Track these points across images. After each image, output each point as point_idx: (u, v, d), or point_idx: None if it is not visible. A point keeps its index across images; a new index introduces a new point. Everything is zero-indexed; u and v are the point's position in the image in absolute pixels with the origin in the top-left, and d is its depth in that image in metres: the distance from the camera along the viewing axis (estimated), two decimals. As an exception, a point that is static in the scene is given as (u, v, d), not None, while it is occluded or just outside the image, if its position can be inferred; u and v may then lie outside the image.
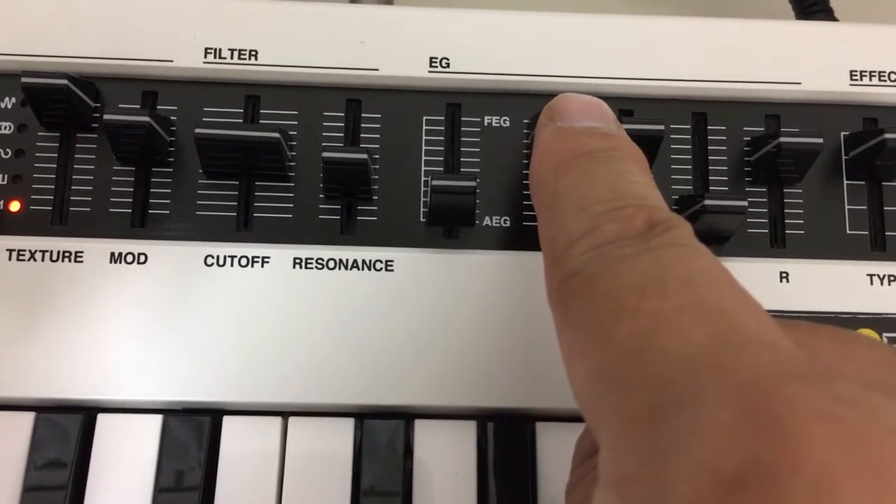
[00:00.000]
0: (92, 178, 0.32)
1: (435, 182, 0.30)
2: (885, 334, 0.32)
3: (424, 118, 0.33)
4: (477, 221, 0.32)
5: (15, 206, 0.32)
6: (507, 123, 0.33)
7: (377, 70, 0.33)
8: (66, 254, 0.31)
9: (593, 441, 0.24)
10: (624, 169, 0.23)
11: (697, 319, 0.18)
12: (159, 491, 0.30)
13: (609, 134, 0.25)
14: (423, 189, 0.33)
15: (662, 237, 0.20)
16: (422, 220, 0.32)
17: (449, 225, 0.32)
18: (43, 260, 0.31)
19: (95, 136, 0.32)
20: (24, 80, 0.30)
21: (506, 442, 0.31)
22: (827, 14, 0.41)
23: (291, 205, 0.32)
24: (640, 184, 0.23)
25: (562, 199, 0.23)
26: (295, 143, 0.33)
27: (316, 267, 0.31)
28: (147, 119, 0.30)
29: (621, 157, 0.24)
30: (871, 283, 0.32)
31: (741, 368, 0.16)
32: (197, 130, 0.30)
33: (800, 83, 0.34)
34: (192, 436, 0.30)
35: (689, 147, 0.34)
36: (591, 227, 0.21)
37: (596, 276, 0.20)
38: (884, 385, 0.19)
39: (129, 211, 0.32)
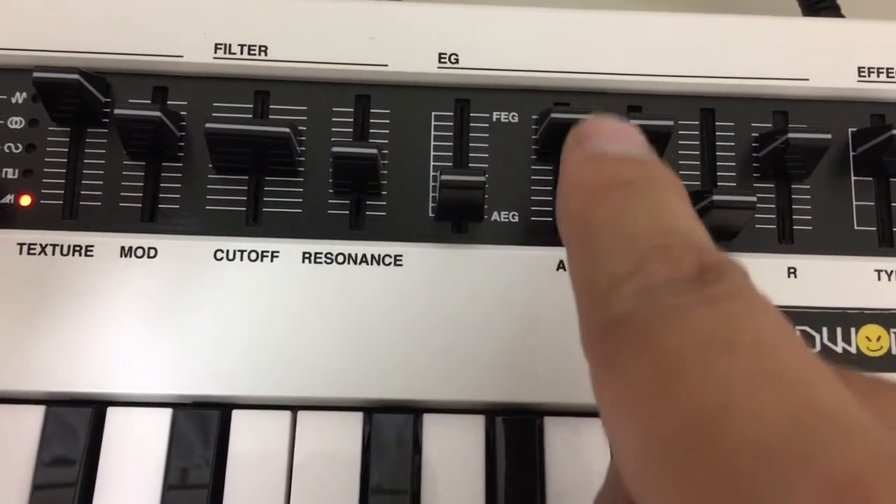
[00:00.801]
0: (102, 172, 0.32)
1: (444, 177, 0.30)
2: (892, 330, 0.32)
3: (433, 114, 0.33)
4: (485, 217, 0.32)
5: (26, 201, 0.32)
6: (516, 119, 0.33)
7: (386, 66, 0.33)
8: (77, 248, 0.31)
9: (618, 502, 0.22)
10: (665, 201, 0.21)
11: (771, 392, 0.16)
12: (168, 484, 0.30)
13: (645, 161, 0.23)
14: (431, 184, 0.33)
15: (719, 286, 0.18)
16: (430, 215, 0.33)
17: (457, 220, 0.33)
18: (53, 254, 0.31)
19: (106, 130, 0.32)
20: (35, 74, 0.30)
21: (514, 436, 0.31)
22: (833, 11, 0.41)
23: (301, 199, 0.32)
24: (684, 218, 0.21)
25: (599, 233, 0.21)
26: (304, 138, 0.33)
27: (325, 261, 0.32)
28: (158, 114, 0.30)
29: (661, 187, 0.22)
30: (879, 279, 0.32)
31: (833, 459, 0.14)
32: (207, 125, 0.30)
33: (808, 80, 0.34)
34: (202, 429, 0.30)
35: (698, 143, 0.34)
36: (636, 266, 0.19)
37: (649, 326, 0.18)
38: None
39: (139, 205, 0.32)
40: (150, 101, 0.32)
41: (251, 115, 0.33)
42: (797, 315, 0.32)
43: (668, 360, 0.17)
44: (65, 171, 0.32)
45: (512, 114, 0.33)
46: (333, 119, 0.33)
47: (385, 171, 0.33)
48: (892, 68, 0.34)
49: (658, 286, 0.19)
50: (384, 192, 0.33)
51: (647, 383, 0.17)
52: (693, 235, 0.20)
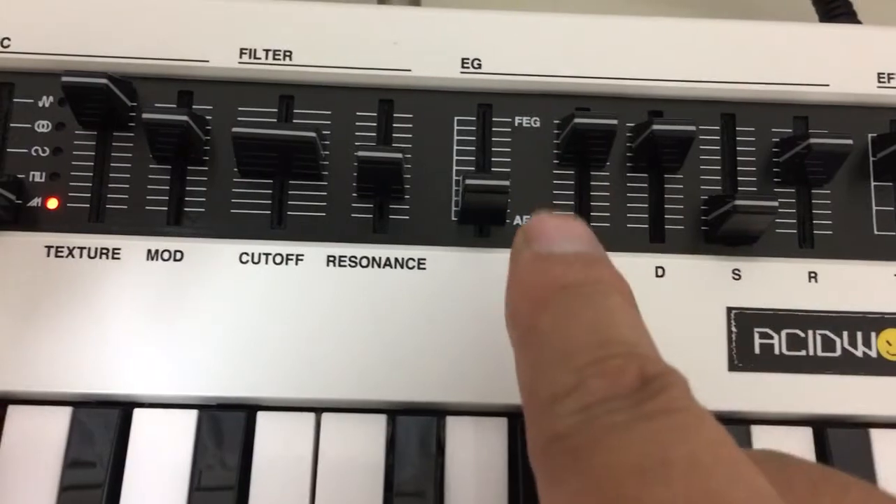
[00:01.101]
0: (128, 175, 0.32)
1: (468, 181, 0.30)
2: (912, 334, 0.32)
3: (456, 118, 0.34)
4: (508, 221, 0.33)
5: (53, 204, 0.32)
6: (538, 124, 0.34)
7: (409, 71, 0.33)
8: (104, 250, 0.31)
9: None
10: (608, 306, 0.21)
11: None
12: (194, 486, 0.30)
13: (591, 261, 0.22)
14: (454, 188, 0.33)
15: (657, 400, 0.18)
16: (453, 218, 0.33)
17: (480, 224, 0.33)
18: (81, 256, 0.31)
19: (132, 134, 0.33)
20: (64, 79, 0.30)
21: (536, 439, 0.31)
22: (850, 17, 0.41)
23: (325, 203, 0.33)
24: (626, 326, 0.21)
25: (541, 342, 0.21)
26: (328, 142, 0.33)
27: (349, 265, 0.32)
28: (185, 118, 0.30)
29: (605, 290, 0.22)
30: (899, 284, 0.33)
31: None
32: (234, 130, 0.30)
33: (828, 85, 0.34)
34: (227, 431, 0.31)
35: (719, 148, 0.34)
36: (576, 381, 0.19)
37: (587, 447, 0.18)
38: None
39: (165, 209, 0.32)
40: (175, 106, 0.33)
41: (275, 120, 0.33)
42: (817, 319, 0.32)
43: (607, 484, 0.17)
44: (91, 174, 0.32)
45: (534, 118, 0.34)
46: (357, 123, 0.33)
47: (408, 175, 0.33)
48: (912, 74, 0.34)
49: (596, 403, 0.19)
50: (407, 196, 0.33)
51: None
52: (635, 345, 0.20)
